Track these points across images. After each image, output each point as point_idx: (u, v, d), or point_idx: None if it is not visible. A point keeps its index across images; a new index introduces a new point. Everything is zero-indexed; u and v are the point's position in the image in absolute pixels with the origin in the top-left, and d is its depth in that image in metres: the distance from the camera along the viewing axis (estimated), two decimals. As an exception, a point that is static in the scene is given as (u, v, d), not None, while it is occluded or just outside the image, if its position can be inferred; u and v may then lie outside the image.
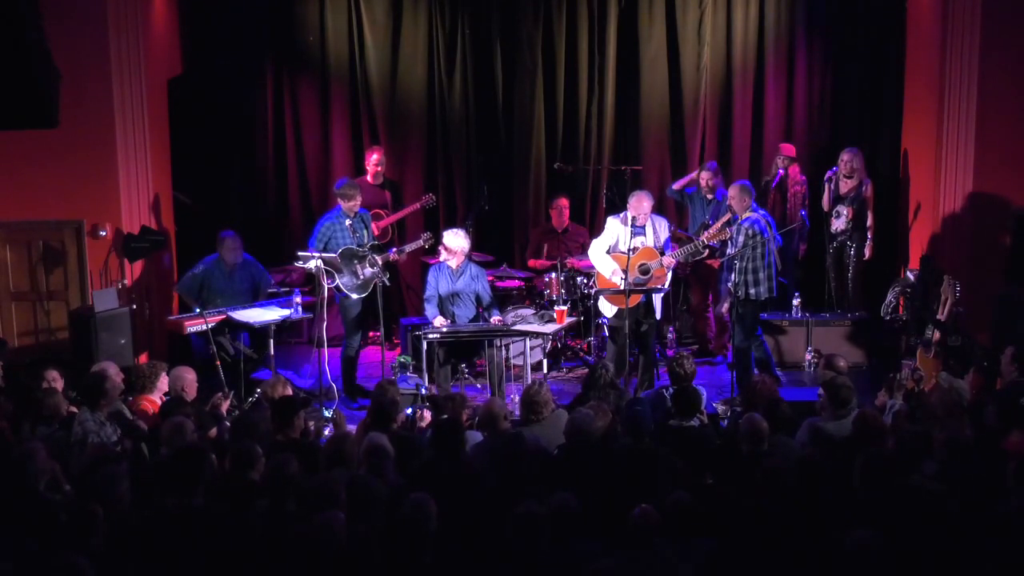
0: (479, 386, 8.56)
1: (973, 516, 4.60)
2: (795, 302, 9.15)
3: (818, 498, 4.82)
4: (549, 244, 9.63)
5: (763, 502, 4.75)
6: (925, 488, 4.95)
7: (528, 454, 5.59)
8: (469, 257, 8.31)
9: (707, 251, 8.62)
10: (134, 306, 8.43)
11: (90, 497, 4.71)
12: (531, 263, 9.63)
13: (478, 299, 8.24)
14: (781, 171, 9.51)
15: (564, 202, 9.62)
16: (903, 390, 6.54)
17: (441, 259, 8.17)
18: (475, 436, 6.14)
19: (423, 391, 7.66)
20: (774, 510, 4.67)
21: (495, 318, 8.08)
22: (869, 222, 9.19)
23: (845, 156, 9.18)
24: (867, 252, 9.24)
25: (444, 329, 7.93)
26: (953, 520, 4.64)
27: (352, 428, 6.44)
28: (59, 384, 6.55)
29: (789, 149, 9.60)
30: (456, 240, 8.11)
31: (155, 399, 6.71)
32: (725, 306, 8.35)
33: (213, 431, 6.17)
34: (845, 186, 9.19)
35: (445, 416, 6.09)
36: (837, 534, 4.25)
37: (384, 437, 5.39)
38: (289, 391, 6.67)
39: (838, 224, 9.25)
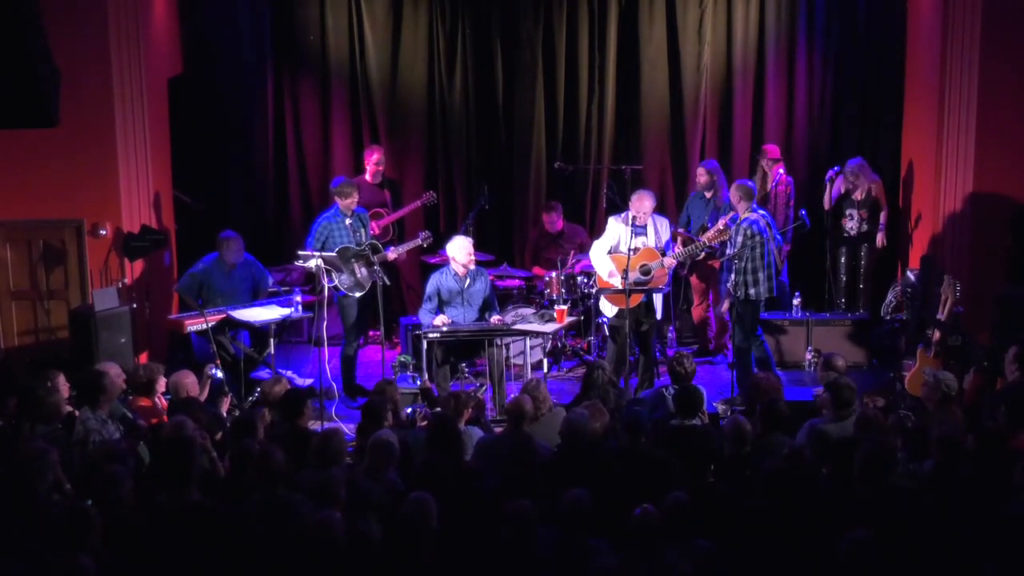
0: (479, 385, 8.55)
1: (970, 516, 4.60)
2: (795, 302, 9.15)
3: (814, 498, 4.83)
4: (546, 248, 9.62)
5: (762, 502, 4.76)
6: (920, 488, 4.97)
7: (537, 458, 5.61)
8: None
9: (704, 252, 8.62)
10: (134, 305, 8.42)
11: (91, 497, 4.72)
12: (535, 271, 9.61)
13: (484, 302, 8.21)
14: (780, 173, 9.51)
15: (553, 216, 9.56)
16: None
17: (455, 270, 8.09)
18: (475, 432, 6.15)
19: (418, 382, 7.69)
20: (773, 510, 4.67)
21: (495, 317, 8.07)
22: (882, 217, 9.23)
23: (850, 176, 9.17)
24: (879, 241, 9.24)
25: (444, 329, 7.92)
26: (949, 520, 4.64)
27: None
28: (65, 389, 6.54)
29: (773, 151, 9.61)
30: (462, 250, 8.02)
31: (155, 399, 6.72)
32: (725, 306, 8.35)
33: (219, 435, 6.18)
34: (858, 192, 9.20)
35: (439, 410, 6.11)
36: (835, 535, 4.25)
37: (393, 435, 5.40)
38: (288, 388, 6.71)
39: (851, 225, 9.26)
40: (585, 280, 9.03)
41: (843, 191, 9.27)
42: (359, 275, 8.14)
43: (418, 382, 7.74)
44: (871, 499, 4.74)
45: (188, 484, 4.86)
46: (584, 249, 9.26)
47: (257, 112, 10.30)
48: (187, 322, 7.98)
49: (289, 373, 8.29)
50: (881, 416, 5.78)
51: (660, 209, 8.82)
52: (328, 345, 8.29)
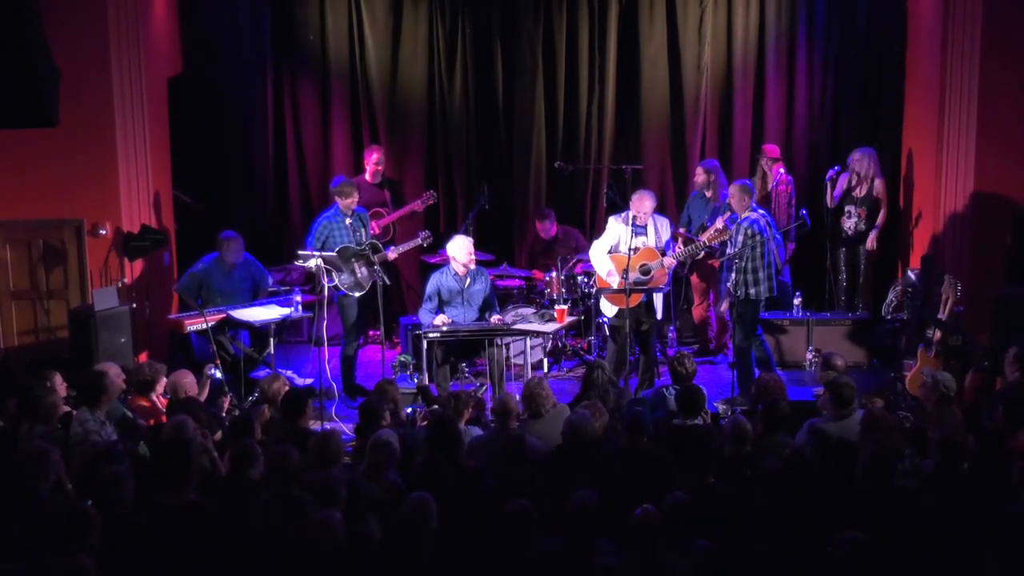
0: (479, 385, 8.55)
1: (970, 516, 4.60)
2: (796, 301, 9.15)
3: (814, 498, 4.82)
4: (542, 254, 9.61)
5: (762, 502, 4.75)
6: (920, 488, 4.96)
7: (530, 456, 5.60)
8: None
9: (704, 252, 8.61)
10: (134, 305, 8.43)
11: (91, 497, 4.72)
12: (534, 273, 9.62)
13: (484, 302, 8.20)
14: (781, 172, 9.50)
15: (546, 224, 9.57)
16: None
17: (456, 270, 8.09)
18: (476, 432, 6.15)
19: (416, 379, 7.69)
20: (773, 510, 4.67)
21: (495, 317, 8.07)
22: (880, 218, 9.20)
23: (857, 155, 9.15)
24: (869, 243, 9.23)
25: (444, 328, 7.92)
26: (949, 520, 4.64)
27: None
28: (63, 389, 6.54)
29: (773, 150, 9.61)
30: (462, 250, 8.02)
31: (155, 398, 6.72)
32: (725, 305, 8.35)
33: (218, 435, 6.18)
34: (859, 188, 9.19)
35: (436, 407, 6.10)
36: (834, 534, 4.24)
37: (393, 435, 5.40)
38: (287, 387, 6.71)
39: (850, 224, 9.25)
40: (585, 280, 9.03)
41: (846, 188, 9.25)
42: (359, 275, 8.14)
43: (416, 379, 7.75)
44: (871, 499, 4.74)
45: (188, 484, 4.86)
46: (581, 251, 9.26)
47: (257, 112, 10.30)
48: (187, 322, 7.98)
49: (289, 373, 8.29)
50: (887, 415, 5.77)
51: (660, 209, 8.83)
52: (328, 345, 8.29)
